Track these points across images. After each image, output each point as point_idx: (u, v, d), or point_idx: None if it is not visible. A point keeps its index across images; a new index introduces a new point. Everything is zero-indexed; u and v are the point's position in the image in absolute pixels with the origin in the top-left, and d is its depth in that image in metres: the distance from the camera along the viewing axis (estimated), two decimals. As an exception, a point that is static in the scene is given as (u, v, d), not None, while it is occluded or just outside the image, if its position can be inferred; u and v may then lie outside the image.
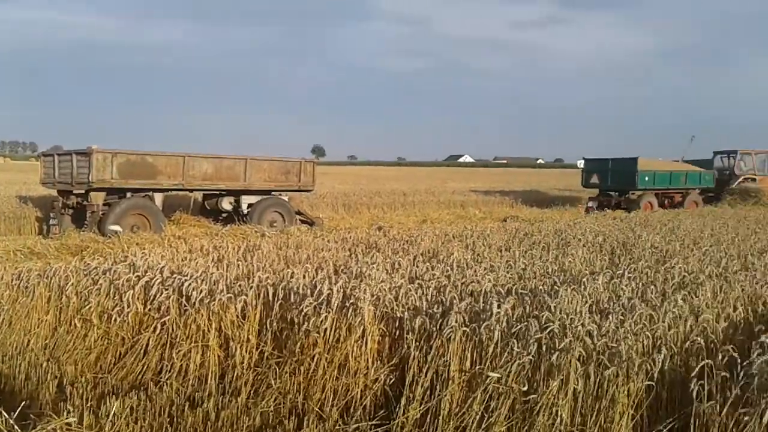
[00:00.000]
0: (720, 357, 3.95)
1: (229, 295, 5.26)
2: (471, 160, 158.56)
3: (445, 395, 4.25)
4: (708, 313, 4.94)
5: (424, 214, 20.12)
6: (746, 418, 3.51)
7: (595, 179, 23.13)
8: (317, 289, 5.12)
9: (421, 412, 4.28)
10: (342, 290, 5.13)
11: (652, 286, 5.59)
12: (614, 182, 22.45)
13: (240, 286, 5.53)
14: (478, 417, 4.09)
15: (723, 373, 3.75)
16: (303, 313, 4.94)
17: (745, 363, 3.83)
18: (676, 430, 3.97)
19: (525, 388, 4.05)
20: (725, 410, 3.59)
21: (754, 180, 24.61)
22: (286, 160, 15.08)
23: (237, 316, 5.20)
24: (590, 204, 22.49)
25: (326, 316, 4.82)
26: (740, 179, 24.58)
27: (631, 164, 21.52)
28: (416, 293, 5.21)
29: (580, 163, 25.67)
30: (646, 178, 21.58)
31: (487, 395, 4.13)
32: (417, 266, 6.56)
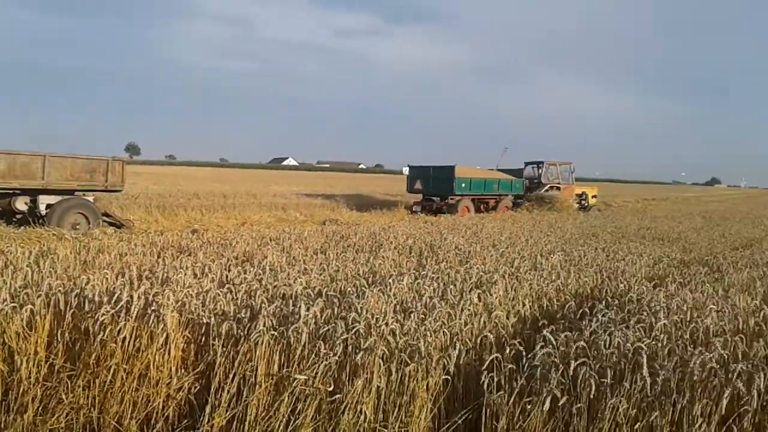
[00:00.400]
0: (508, 350, 4.26)
1: (13, 304, 4.74)
2: (295, 163, 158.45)
3: (252, 400, 4.17)
4: (500, 309, 5.32)
5: (245, 216, 19.66)
6: (529, 407, 3.81)
7: (418, 185, 24.35)
8: (116, 296, 4.79)
9: (227, 418, 4.16)
10: (144, 296, 4.84)
11: (452, 286, 5.91)
12: (435, 188, 23.79)
13: (27, 294, 5.01)
14: (285, 420, 4.06)
15: (510, 366, 4.03)
16: (99, 322, 4.59)
17: (530, 355, 4.15)
18: (470, 421, 4.21)
19: (331, 388, 4.09)
20: (512, 399, 3.86)
21: (558, 188, 27.37)
22: (91, 158, 13.93)
23: (23, 327, 4.70)
24: (415, 208, 23.73)
25: (125, 325, 4.52)
26: (547, 187, 27.26)
27: (449, 171, 22.95)
28: (225, 298, 5.06)
29: (405, 170, 26.93)
30: (463, 185, 23.11)
31: (294, 397, 4.11)
32: (229, 270, 6.38)
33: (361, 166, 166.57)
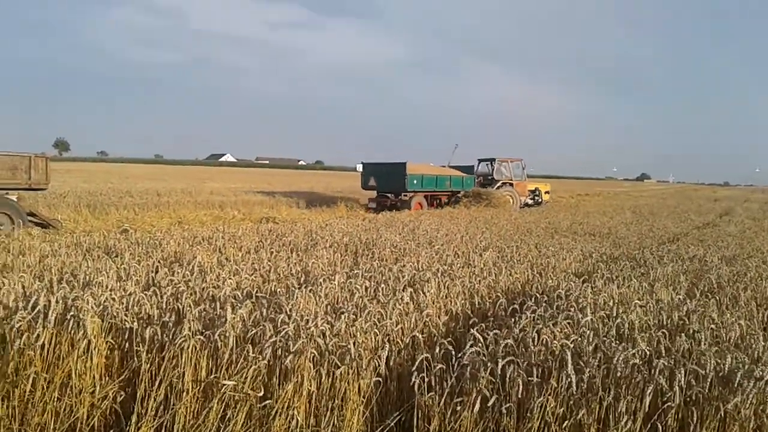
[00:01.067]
0: (438, 350, 4.24)
1: None
2: (233, 159, 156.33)
3: (180, 408, 4.06)
4: (431, 308, 5.31)
5: (180, 215, 19.17)
6: (460, 408, 3.80)
7: (372, 182, 24.54)
8: (32, 301, 4.55)
9: (154, 427, 4.05)
10: (62, 301, 4.62)
11: (384, 285, 5.87)
12: (388, 185, 24.07)
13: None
14: (214, 427, 3.97)
15: (441, 366, 4.01)
16: (15, 329, 4.35)
17: (460, 355, 4.14)
18: (403, 422, 4.19)
19: (261, 394, 4.00)
20: (443, 400, 3.85)
21: (511, 184, 28.03)
22: (11, 155, 13.23)
23: (-71, 336, 4.42)
24: (370, 204, 24.03)
25: (42, 331, 4.30)
26: (500, 183, 27.79)
27: (401, 168, 23.22)
28: (150, 301, 4.88)
29: (359, 167, 27.14)
30: (415, 181, 23.48)
31: (224, 404, 4.02)
32: (156, 272, 6.17)
33: (301, 162, 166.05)
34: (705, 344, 4.46)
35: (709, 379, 3.78)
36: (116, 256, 7.42)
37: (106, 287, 5.23)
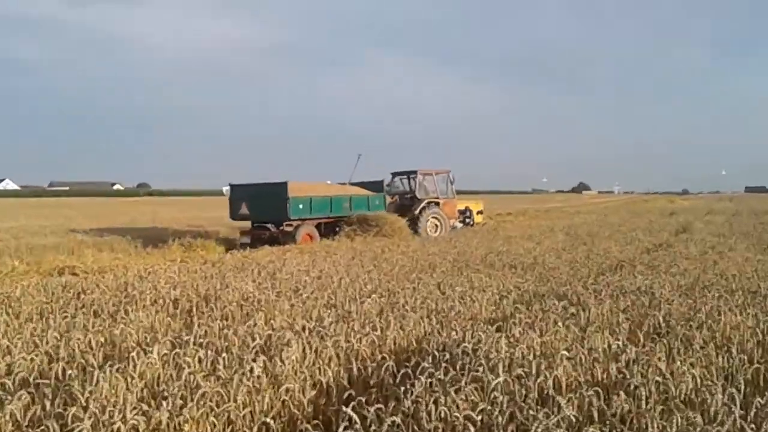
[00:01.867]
0: (298, 439, 4.23)
1: None
2: (15, 187, 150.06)
3: None
4: (293, 381, 5.30)
5: (-71, 274, 18.11)
6: None
7: (244, 209, 24.07)
8: None
9: None
10: None
11: (227, 353, 5.80)
12: (266, 212, 23.78)
13: None
14: None
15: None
16: None
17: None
18: None
19: None
20: None
21: (437, 204, 28.16)
22: None
23: None
24: (243, 239, 23.36)
25: None
26: (424, 203, 27.77)
27: (280, 190, 22.87)
28: None
29: (225, 190, 26.34)
30: (301, 206, 23.21)
31: None
32: None
33: (118, 186, 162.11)
34: (648, 403, 4.70)
35: (651, 450, 3.99)
36: None
37: None
